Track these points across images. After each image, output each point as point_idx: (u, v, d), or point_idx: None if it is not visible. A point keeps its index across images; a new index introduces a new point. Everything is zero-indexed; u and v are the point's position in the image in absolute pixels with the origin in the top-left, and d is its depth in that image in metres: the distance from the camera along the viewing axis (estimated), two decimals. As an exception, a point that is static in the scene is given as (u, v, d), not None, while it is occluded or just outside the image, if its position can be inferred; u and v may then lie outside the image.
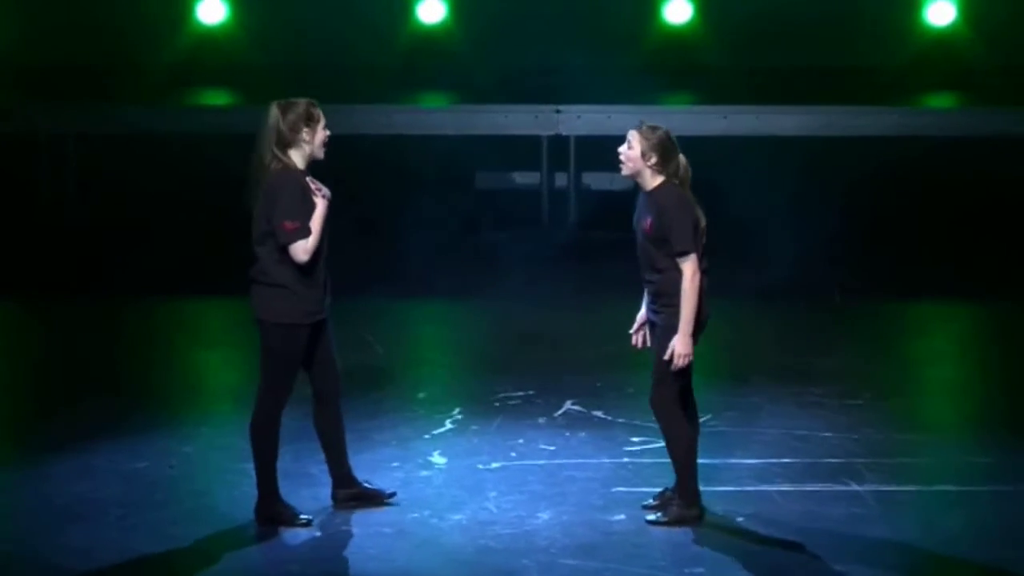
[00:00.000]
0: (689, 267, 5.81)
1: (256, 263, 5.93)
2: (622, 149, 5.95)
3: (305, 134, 5.84)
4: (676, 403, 5.95)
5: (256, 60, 12.25)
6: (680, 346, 5.85)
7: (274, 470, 5.99)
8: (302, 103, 5.87)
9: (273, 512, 5.99)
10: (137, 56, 12.13)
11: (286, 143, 5.83)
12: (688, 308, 5.81)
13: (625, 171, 5.96)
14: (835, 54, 12.11)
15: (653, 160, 5.88)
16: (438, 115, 11.42)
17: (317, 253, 5.89)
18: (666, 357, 5.87)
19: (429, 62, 12.30)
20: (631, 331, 6.09)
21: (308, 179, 5.93)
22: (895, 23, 12.27)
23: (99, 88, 11.71)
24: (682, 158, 5.93)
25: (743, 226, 10.25)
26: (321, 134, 5.88)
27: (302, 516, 6.01)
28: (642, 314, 6.07)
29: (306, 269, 5.85)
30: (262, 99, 12.57)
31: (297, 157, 5.87)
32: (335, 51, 12.22)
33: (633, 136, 5.92)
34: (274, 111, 5.86)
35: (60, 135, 11.27)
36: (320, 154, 5.93)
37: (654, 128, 5.92)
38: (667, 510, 6.04)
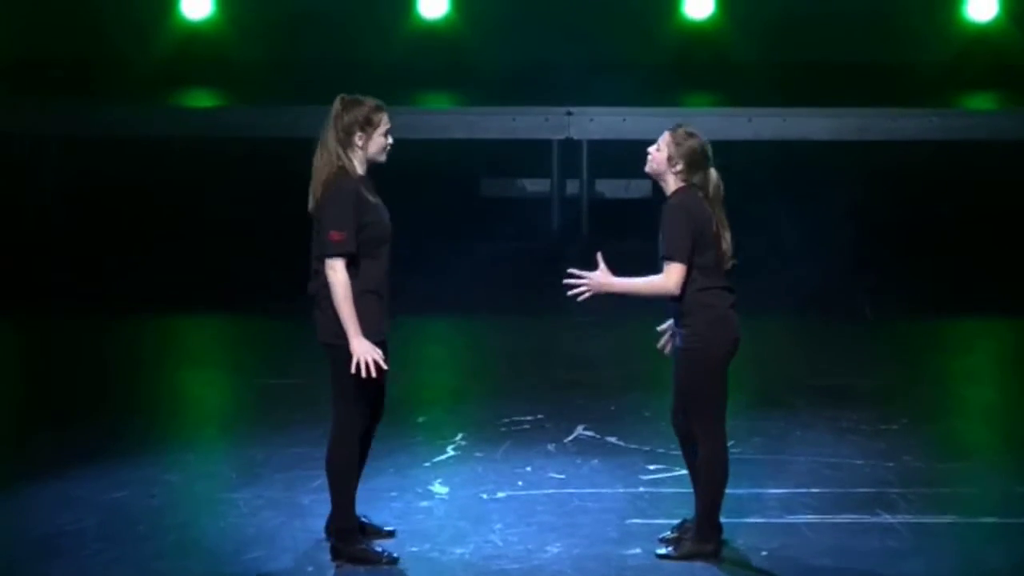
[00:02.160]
0: (672, 275, 5.77)
1: (314, 278, 5.87)
2: (651, 148, 5.97)
3: (358, 139, 5.84)
4: (718, 432, 5.95)
5: (245, 57, 12.32)
6: (600, 281, 5.88)
7: (353, 506, 5.94)
8: (365, 105, 5.85)
9: (356, 552, 5.95)
10: (117, 54, 12.20)
11: (343, 144, 5.84)
12: (633, 286, 5.84)
13: (648, 168, 5.97)
14: (869, 51, 12.14)
15: (679, 167, 5.89)
16: (440, 117, 11.47)
17: (382, 264, 5.87)
18: (578, 294, 5.89)
19: (430, 60, 12.34)
20: (660, 328, 6.08)
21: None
22: (934, 18, 12.29)
23: (79, 88, 11.77)
24: (713, 173, 5.91)
25: (768, 236, 10.27)
26: (379, 141, 5.86)
27: (386, 554, 5.96)
28: (669, 322, 6.07)
29: (364, 284, 5.80)
30: (252, 99, 12.68)
31: (356, 159, 5.87)
32: (329, 47, 12.27)
33: (664, 138, 5.92)
34: (336, 106, 5.86)
35: (39, 138, 11.34)
36: (380, 159, 5.91)
37: (690, 134, 5.89)
38: (679, 544, 6.07)
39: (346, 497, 5.95)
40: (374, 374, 5.78)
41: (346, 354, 5.83)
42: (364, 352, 5.77)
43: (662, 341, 6.11)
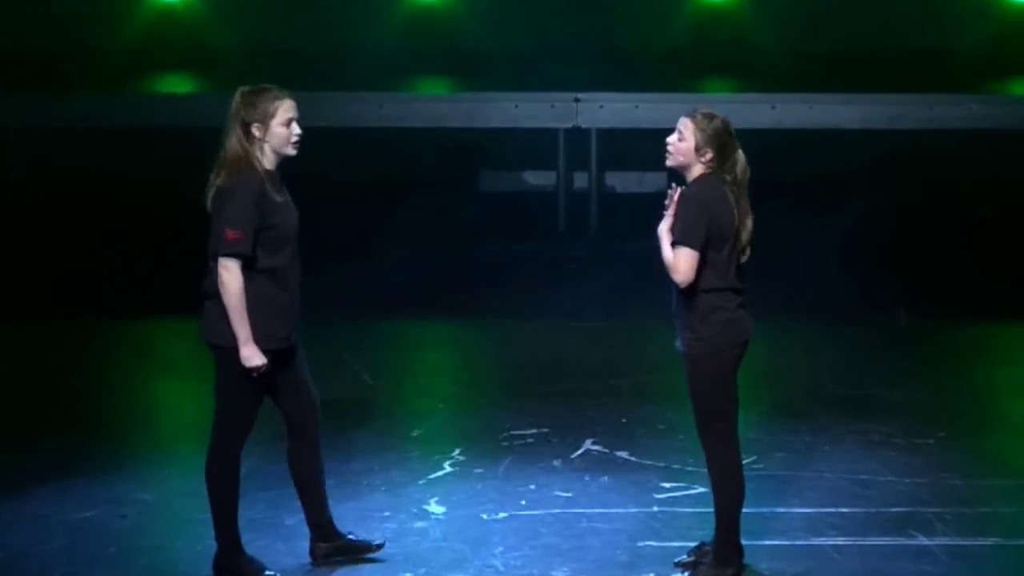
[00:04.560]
0: (682, 261, 5.79)
1: (207, 276, 5.98)
2: (671, 139, 5.95)
3: (256, 130, 5.88)
4: (729, 442, 5.98)
5: (223, 41, 12.35)
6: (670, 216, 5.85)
7: (235, 518, 6.07)
8: (265, 96, 5.92)
9: (234, 566, 6.06)
10: (86, 38, 12.23)
11: (249, 137, 5.91)
12: (663, 246, 5.83)
13: (671, 162, 5.97)
14: (902, 34, 12.17)
15: (708, 156, 5.89)
16: (437, 104, 11.50)
17: (283, 268, 5.94)
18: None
19: (427, 43, 12.37)
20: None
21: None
22: (972, -3, 12.34)
23: (44, 75, 11.80)
24: (740, 155, 5.93)
25: (791, 233, 10.29)
26: (279, 131, 5.90)
27: (268, 572, 6.08)
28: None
29: (263, 288, 5.89)
30: (231, 86, 12.72)
31: (262, 155, 5.93)
32: (317, 30, 12.31)
33: (686, 125, 5.92)
34: (236, 99, 5.94)
35: (1, 129, 11.36)
36: (288, 151, 5.95)
37: (710, 116, 5.91)
38: (696, 569, 6.09)
39: (226, 512, 6.05)
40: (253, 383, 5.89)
41: (229, 356, 5.92)
42: (250, 360, 5.88)
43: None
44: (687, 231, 5.81)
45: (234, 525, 6.06)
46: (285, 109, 5.91)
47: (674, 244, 5.85)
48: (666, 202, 5.95)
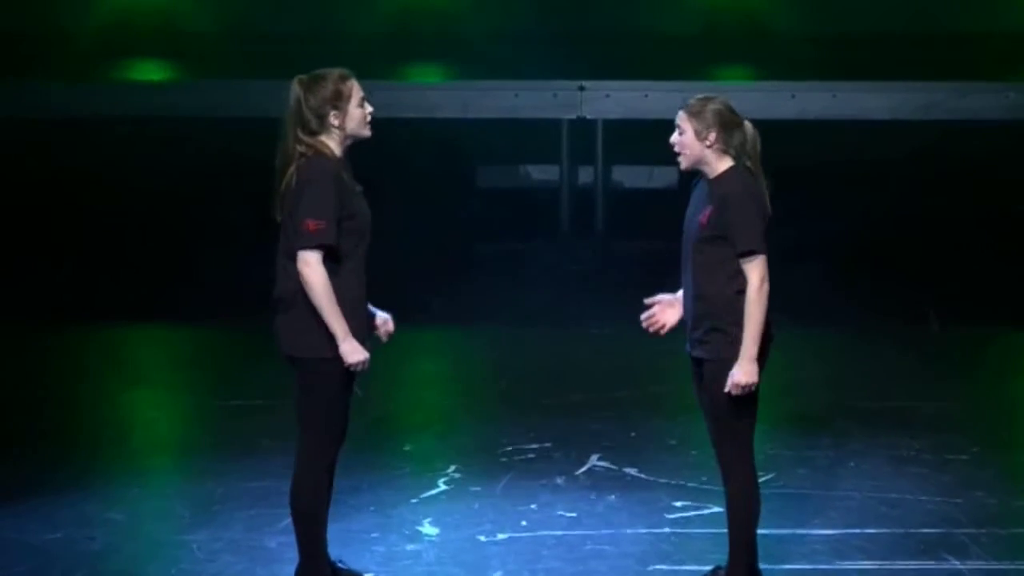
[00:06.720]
0: (757, 271, 5.84)
1: (281, 280, 5.89)
2: (673, 139, 5.98)
3: (333, 118, 5.88)
4: (749, 454, 5.98)
5: (201, 26, 12.36)
6: (742, 374, 5.87)
7: (325, 549, 5.96)
8: (329, 79, 5.90)
9: None
10: (55, 21, 12.24)
11: (313, 130, 5.88)
12: (754, 325, 5.83)
13: (685, 163, 5.99)
14: (932, 17, 12.17)
15: (712, 137, 5.91)
16: (430, 93, 11.50)
17: (363, 263, 5.91)
18: (727, 390, 5.87)
19: (421, 27, 12.38)
20: (648, 303, 6.02)
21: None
22: (1007, -22, 12.36)
23: (8, 62, 11.80)
24: (748, 127, 5.96)
25: (814, 233, 10.29)
26: (356, 113, 5.91)
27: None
28: (669, 297, 6.06)
29: (340, 285, 5.81)
30: (210, 73, 12.71)
31: (332, 143, 5.91)
32: (300, 14, 12.32)
33: (681, 118, 5.95)
34: (295, 91, 5.90)
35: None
36: (364, 132, 5.96)
37: (704, 100, 5.95)
38: (711, 596, 6.10)
39: (315, 540, 5.97)
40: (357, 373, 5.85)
41: (317, 368, 5.85)
42: (351, 355, 5.83)
43: (654, 313, 6.07)
44: (752, 237, 5.81)
45: (326, 557, 5.95)
46: (356, 89, 5.91)
47: (744, 254, 5.83)
48: (649, 312, 5.98)
